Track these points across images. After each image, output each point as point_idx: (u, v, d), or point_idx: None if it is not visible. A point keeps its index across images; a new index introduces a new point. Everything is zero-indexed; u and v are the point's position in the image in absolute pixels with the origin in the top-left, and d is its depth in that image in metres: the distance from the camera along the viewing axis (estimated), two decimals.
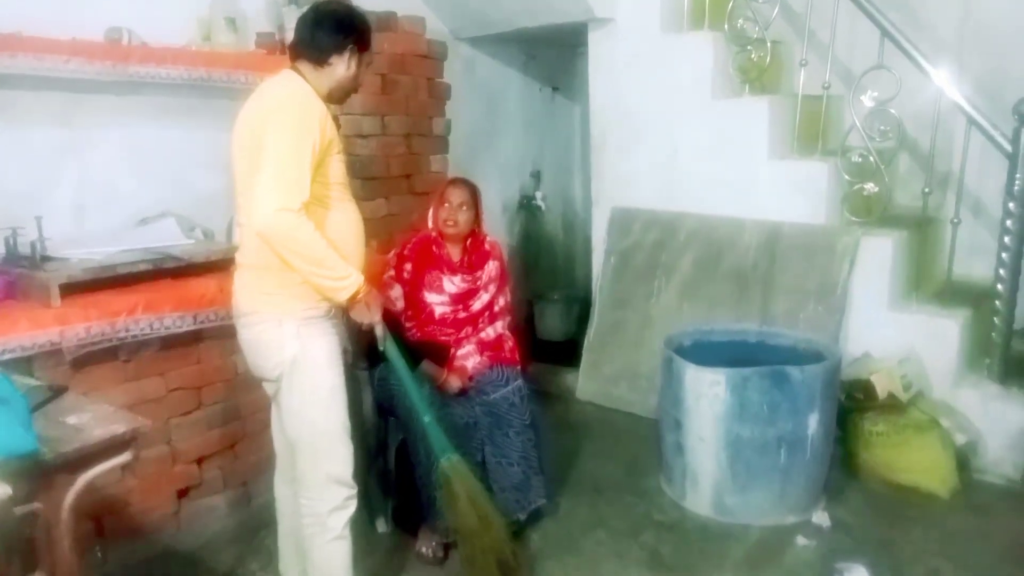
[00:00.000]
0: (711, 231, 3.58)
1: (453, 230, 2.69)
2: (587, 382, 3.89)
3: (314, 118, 1.85)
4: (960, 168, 3.20)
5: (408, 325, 2.69)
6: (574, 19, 3.72)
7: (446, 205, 2.69)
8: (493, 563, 2.25)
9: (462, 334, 2.72)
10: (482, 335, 2.74)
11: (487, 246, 2.80)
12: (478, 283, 2.76)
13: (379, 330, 2.04)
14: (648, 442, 3.21)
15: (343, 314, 2.03)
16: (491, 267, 2.78)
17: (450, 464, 2.25)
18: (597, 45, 3.82)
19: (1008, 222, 2.93)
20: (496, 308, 2.79)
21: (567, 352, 4.21)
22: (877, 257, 3.19)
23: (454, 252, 2.75)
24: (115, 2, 2.67)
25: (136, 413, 1.80)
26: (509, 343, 2.78)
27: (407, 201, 3.51)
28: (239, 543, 2.63)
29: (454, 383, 2.62)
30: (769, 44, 3.44)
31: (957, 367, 3.09)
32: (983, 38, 3.55)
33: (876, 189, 3.26)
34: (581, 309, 4.43)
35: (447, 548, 2.52)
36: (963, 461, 2.93)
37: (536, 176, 4.76)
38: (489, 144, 4.32)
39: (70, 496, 1.51)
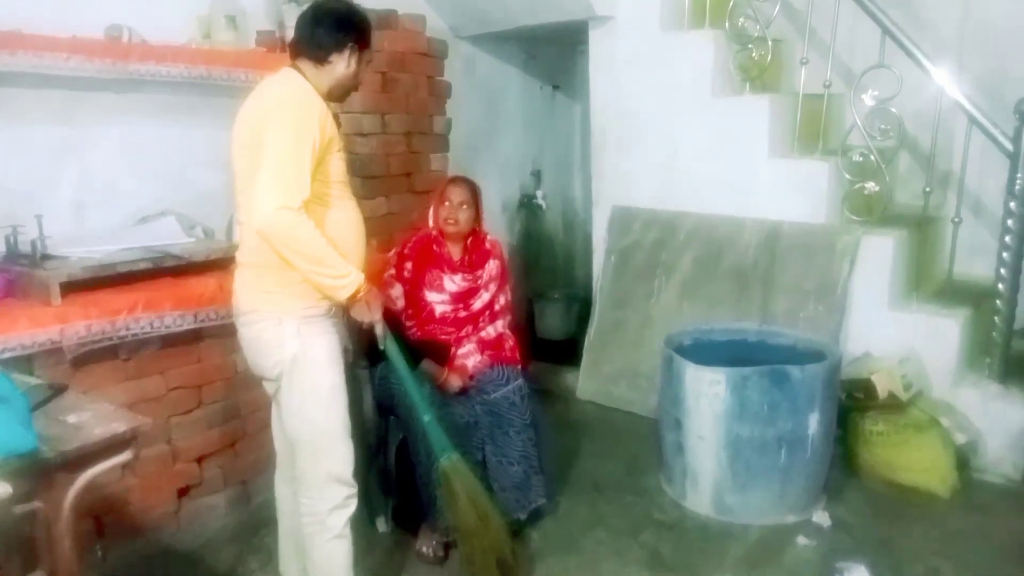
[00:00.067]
0: (711, 230, 3.58)
1: (453, 229, 2.69)
2: (587, 381, 3.89)
3: (314, 116, 1.85)
4: (961, 167, 3.19)
5: (408, 324, 2.69)
6: (575, 17, 3.72)
7: (446, 204, 2.69)
8: (493, 562, 2.25)
9: (462, 333, 2.72)
10: (482, 334, 2.74)
11: (487, 245, 2.80)
12: (478, 282, 2.76)
13: (379, 329, 2.04)
14: (648, 441, 3.21)
15: (343, 313, 2.03)
16: (491, 266, 2.78)
17: (450, 463, 2.25)
18: (597, 43, 3.82)
19: (1009, 221, 2.93)
20: (496, 307, 2.79)
21: (567, 351, 4.21)
22: (877, 256, 3.19)
23: (454, 251, 2.74)
24: (115, 0, 2.67)
25: (136, 412, 1.80)
26: (509, 342, 2.78)
27: (407, 200, 3.51)
28: (239, 542, 2.63)
29: (454, 382, 2.62)
30: (770, 42, 3.44)
31: (957, 366, 3.09)
32: (984, 37, 3.55)
33: (877, 188, 3.25)
34: (581, 308, 4.42)
35: (447, 547, 2.52)
36: (963, 460, 2.93)
37: (536, 175, 4.75)
38: (489, 143, 4.32)
39: (70, 495, 1.51)
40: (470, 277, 2.74)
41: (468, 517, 2.24)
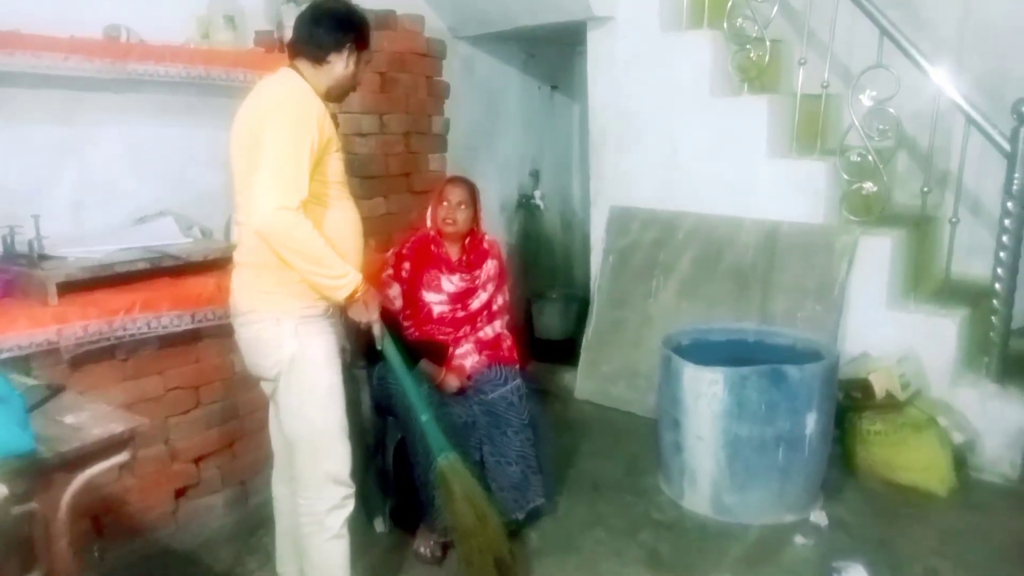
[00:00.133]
0: (710, 230, 3.58)
1: (452, 229, 2.69)
2: (585, 381, 3.89)
3: (312, 116, 1.85)
4: (959, 167, 3.20)
5: (406, 324, 2.69)
6: (573, 17, 3.72)
7: (445, 204, 2.69)
8: (491, 562, 2.25)
9: (460, 333, 2.72)
10: (480, 334, 2.74)
11: (486, 245, 2.80)
12: (476, 282, 2.75)
13: (377, 329, 2.04)
14: (646, 441, 3.21)
15: (341, 313, 2.02)
16: (490, 266, 2.78)
17: (448, 463, 2.25)
18: (596, 44, 3.82)
19: (1006, 221, 2.93)
20: (495, 307, 2.79)
21: (565, 351, 4.21)
22: (876, 256, 3.19)
23: (453, 251, 2.74)
24: (113, 0, 2.67)
25: (134, 412, 1.80)
26: (507, 342, 2.78)
27: (406, 200, 3.50)
28: (237, 542, 2.63)
29: (452, 382, 2.62)
30: (768, 43, 3.44)
31: (955, 366, 3.09)
32: (983, 37, 3.55)
33: (875, 188, 3.26)
34: (579, 308, 4.42)
35: (445, 547, 2.52)
36: (961, 460, 2.94)
37: (535, 175, 4.75)
38: (488, 143, 4.32)
39: (68, 495, 1.51)
40: (468, 277, 2.74)
41: (466, 517, 2.24)
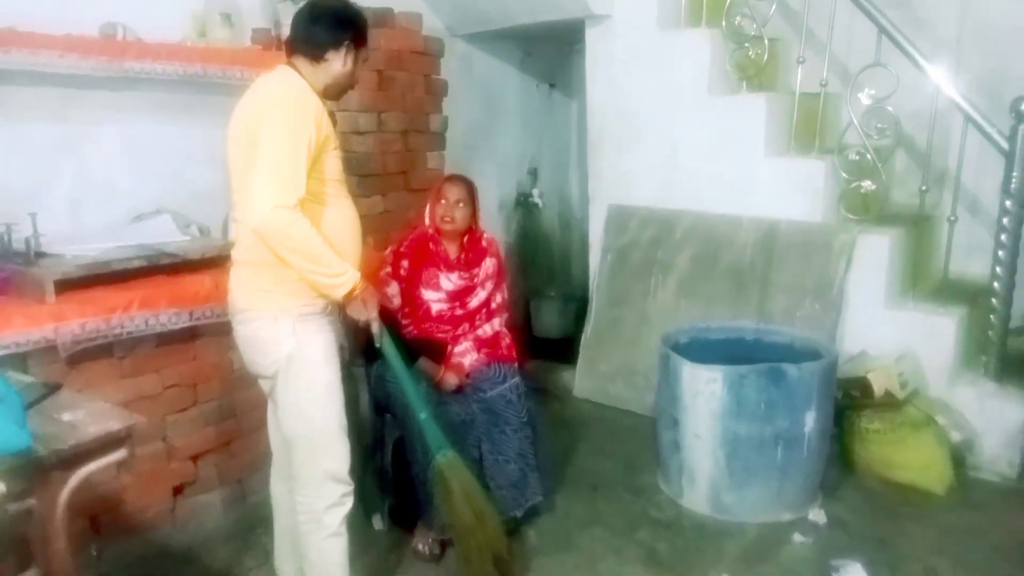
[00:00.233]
0: (708, 229, 3.58)
1: (450, 227, 2.69)
2: (584, 379, 3.89)
3: (310, 114, 1.84)
4: (957, 166, 3.20)
5: (405, 322, 2.69)
6: (571, 16, 3.72)
7: (443, 202, 2.69)
8: (489, 560, 2.25)
9: (459, 331, 2.72)
10: (479, 332, 2.73)
11: (484, 243, 2.80)
12: (475, 280, 2.75)
13: (376, 327, 2.03)
14: (645, 440, 3.21)
15: (340, 311, 2.02)
16: (488, 264, 2.77)
17: (446, 461, 2.25)
18: (594, 42, 3.81)
19: (1005, 220, 2.93)
20: (493, 305, 2.79)
21: (564, 350, 4.21)
22: (874, 255, 3.19)
23: (451, 249, 2.74)
24: None
25: (131, 410, 1.80)
26: (506, 340, 2.78)
27: (404, 198, 3.50)
28: (235, 540, 2.62)
29: (451, 380, 2.61)
30: (766, 41, 3.45)
31: (953, 365, 3.10)
32: (982, 36, 3.55)
33: (873, 187, 3.26)
34: (578, 306, 4.42)
35: (443, 545, 2.52)
36: (959, 459, 2.94)
37: (533, 173, 4.75)
38: (486, 141, 4.32)
39: (65, 493, 1.51)
40: (466, 275, 2.74)
41: (464, 515, 2.24)
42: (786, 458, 2.67)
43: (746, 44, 3.51)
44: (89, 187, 2.70)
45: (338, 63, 1.97)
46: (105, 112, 2.72)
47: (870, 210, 3.27)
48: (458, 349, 2.69)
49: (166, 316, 2.45)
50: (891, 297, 3.23)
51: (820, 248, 3.27)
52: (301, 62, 1.95)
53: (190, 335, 2.59)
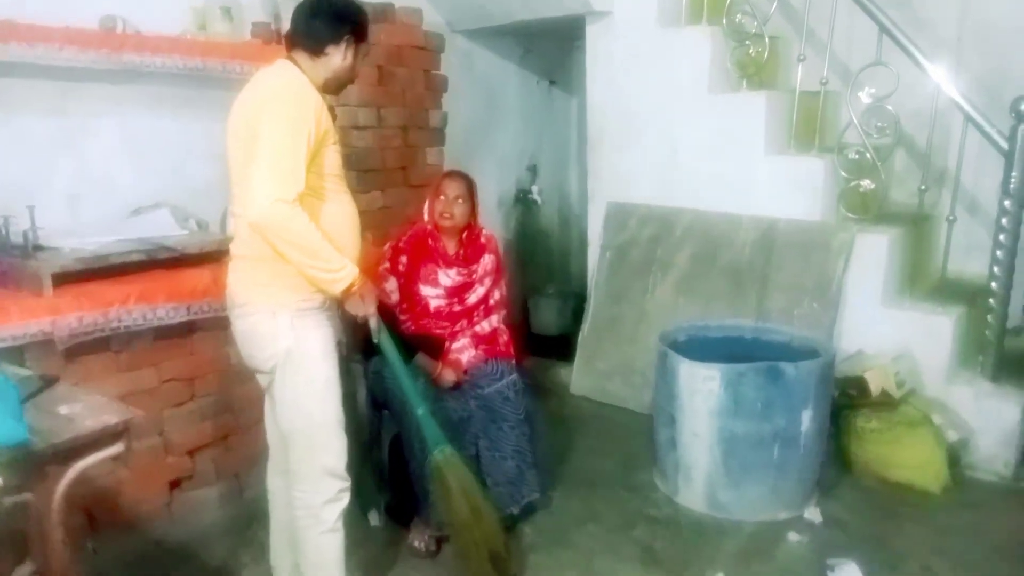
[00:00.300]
0: (707, 227, 3.58)
1: (449, 223, 2.68)
2: (581, 377, 3.89)
3: (309, 108, 1.84)
4: (957, 166, 3.20)
5: (403, 318, 2.68)
6: (572, 12, 3.71)
7: (442, 198, 2.68)
8: (485, 556, 2.25)
9: (457, 327, 2.72)
10: (477, 329, 2.73)
11: (483, 239, 2.79)
12: (473, 276, 2.75)
13: (374, 323, 2.03)
14: (642, 437, 3.21)
15: (338, 306, 2.02)
16: (487, 261, 2.77)
17: (443, 457, 2.25)
18: (594, 39, 3.81)
19: (1003, 220, 2.93)
20: (491, 302, 2.78)
21: (561, 347, 4.21)
22: (872, 254, 3.20)
23: (450, 245, 2.74)
24: None
25: (128, 404, 1.79)
26: (504, 337, 2.77)
27: (403, 193, 3.50)
28: (231, 535, 2.62)
29: (448, 376, 2.61)
30: (767, 39, 3.44)
31: (950, 364, 3.10)
32: (983, 35, 3.54)
33: (872, 186, 3.26)
34: (576, 304, 4.42)
35: (439, 541, 2.52)
36: (955, 458, 2.94)
37: (532, 170, 4.75)
38: (485, 137, 4.31)
39: (61, 487, 1.51)
40: (465, 271, 2.74)
41: (461, 511, 2.24)
42: (783, 456, 2.67)
43: (747, 42, 3.50)
44: (87, 180, 2.70)
45: (338, 58, 1.96)
46: (104, 105, 2.71)
47: (869, 209, 3.27)
48: (456, 345, 2.68)
49: (164, 310, 2.45)
50: (889, 296, 3.23)
51: (819, 247, 3.27)
52: (301, 56, 1.95)
53: (188, 329, 2.59)
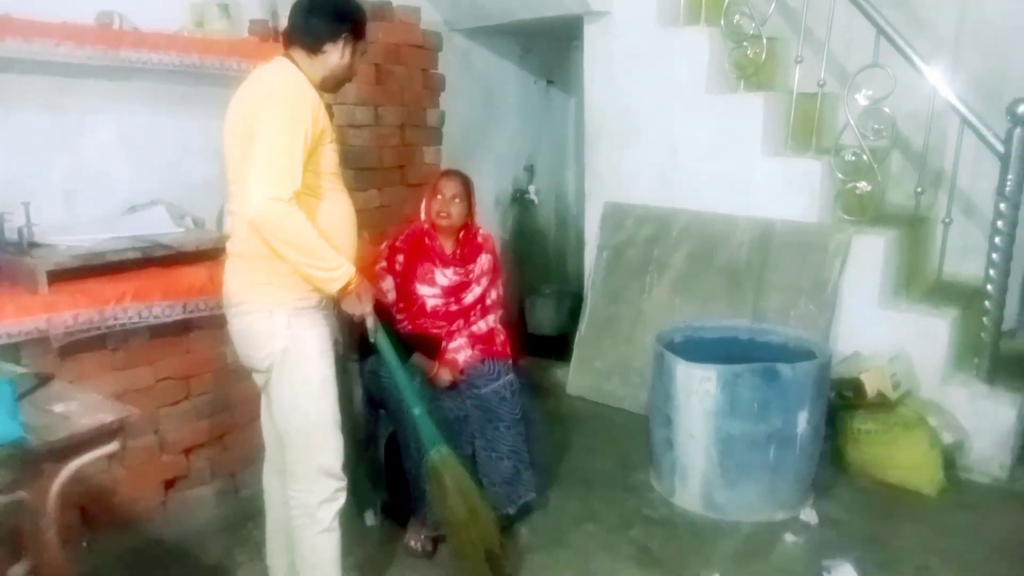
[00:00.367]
0: (704, 227, 3.58)
1: (446, 222, 2.68)
2: (578, 377, 3.89)
3: (307, 106, 1.83)
4: (953, 168, 3.21)
5: (399, 317, 2.68)
6: (570, 12, 3.71)
7: (439, 197, 2.68)
8: (482, 556, 2.25)
9: (454, 327, 2.71)
10: (474, 328, 2.73)
11: (480, 239, 2.79)
12: (470, 276, 2.75)
13: (370, 322, 2.03)
14: (638, 437, 3.21)
15: (335, 305, 2.01)
16: (484, 260, 2.77)
17: (440, 457, 2.24)
18: (593, 38, 3.81)
19: (999, 223, 2.94)
20: (488, 301, 2.78)
21: (558, 347, 4.21)
22: (869, 256, 3.20)
23: (447, 244, 2.73)
24: None
25: (124, 402, 1.79)
26: (501, 337, 2.77)
27: (400, 192, 3.49)
28: (226, 534, 2.61)
29: (445, 376, 2.61)
30: (765, 40, 3.44)
31: (946, 366, 3.11)
32: (982, 37, 3.55)
33: (869, 188, 3.26)
34: (573, 304, 4.42)
35: (436, 541, 2.52)
36: (950, 460, 2.95)
37: (529, 169, 4.74)
38: (483, 137, 4.31)
39: (56, 485, 1.50)
40: (462, 271, 2.73)
41: (457, 511, 2.24)
42: (779, 458, 2.67)
43: (745, 43, 3.50)
44: (83, 177, 2.69)
45: (336, 56, 1.96)
46: (101, 101, 2.70)
47: (866, 211, 3.28)
48: (452, 345, 2.68)
49: (160, 308, 2.44)
50: (885, 298, 3.24)
51: (815, 248, 3.28)
52: (298, 54, 1.94)
53: (183, 328, 2.58)
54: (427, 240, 2.71)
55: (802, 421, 2.66)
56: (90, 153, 2.71)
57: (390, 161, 3.45)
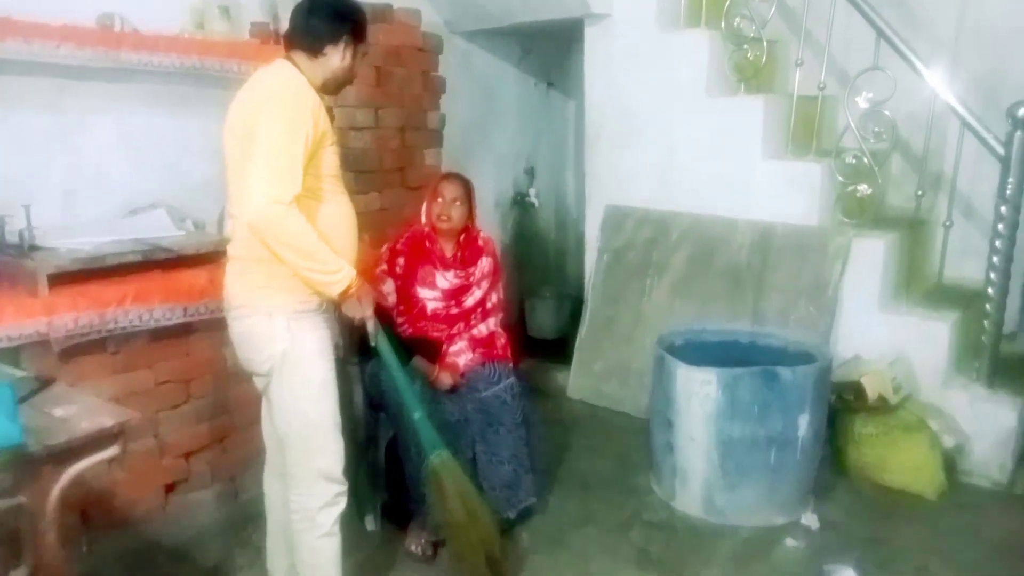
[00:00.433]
0: (704, 230, 3.58)
1: (446, 225, 2.68)
2: (578, 380, 3.89)
3: (307, 108, 1.83)
4: (953, 171, 3.21)
5: (400, 320, 2.68)
6: (571, 14, 3.71)
7: (439, 200, 2.68)
8: (482, 559, 2.24)
9: (454, 330, 2.71)
10: (474, 331, 2.73)
11: (480, 242, 2.79)
12: (471, 279, 2.74)
13: (371, 325, 2.02)
14: (638, 440, 3.21)
15: (335, 308, 2.01)
16: (484, 263, 2.77)
17: (440, 461, 2.24)
18: (593, 41, 3.81)
19: (999, 225, 2.94)
20: (489, 304, 2.78)
21: (558, 350, 4.21)
22: (869, 258, 3.20)
23: (447, 247, 2.73)
24: None
25: (124, 405, 1.79)
26: (501, 340, 2.77)
27: (401, 195, 3.49)
28: (226, 538, 2.61)
29: (445, 379, 2.60)
30: (765, 43, 3.44)
31: (946, 369, 3.10)
32: (981, 38, 3.55)
33: (869, 191, 3.26)
34: (573, 306, 4.42)
35: (436, 545, 2.51)
36: (950, 463, 2.95)
37: (530, 172, 4.74)
38: (483, 139, 4.31)
39: (56, 489, 1.50)
40: (462, 274, 2.73)
41: (457, 515, 2.23)
42: (779, 461, 2.67)
43: (745, 46, 3.50)
44: (84, 179, 2.69)
45: (336, 58, 1.96)
46: (101, 103, 2.70)
47: (866, 213, 3.28)
48: (453, 348, 2.68)
49: (160, 311, 2.44)
50: (885, 301, 3.24)
51: (815, 251, 3.28)
52: (299, 56, 1.94)
53: (184, 331, 2.57)
54: (428, 243, 2.71)
55: (803, 424, 2.65)
56: (90, 155, 2.70)
57: (390, 164, 3.45)
